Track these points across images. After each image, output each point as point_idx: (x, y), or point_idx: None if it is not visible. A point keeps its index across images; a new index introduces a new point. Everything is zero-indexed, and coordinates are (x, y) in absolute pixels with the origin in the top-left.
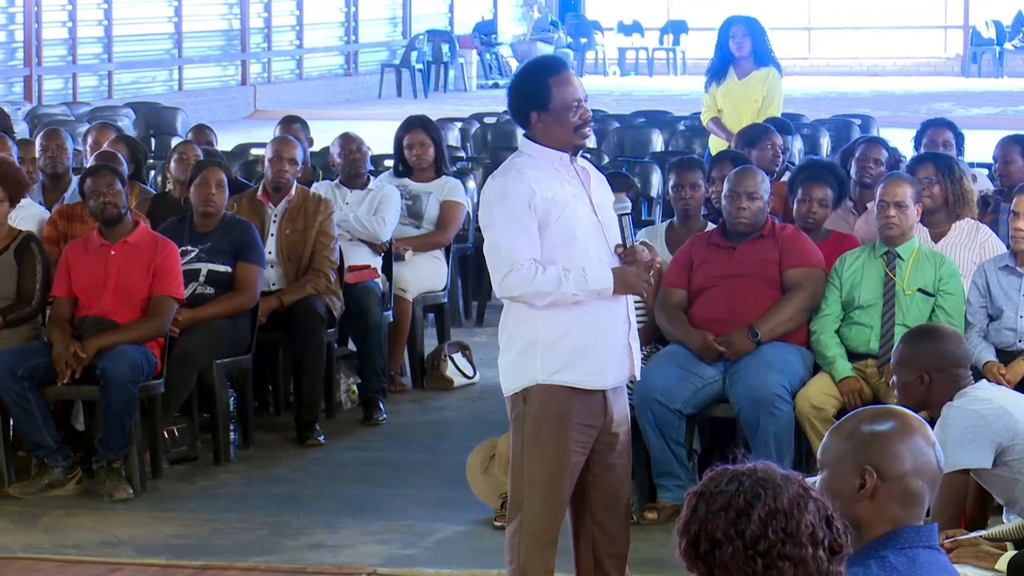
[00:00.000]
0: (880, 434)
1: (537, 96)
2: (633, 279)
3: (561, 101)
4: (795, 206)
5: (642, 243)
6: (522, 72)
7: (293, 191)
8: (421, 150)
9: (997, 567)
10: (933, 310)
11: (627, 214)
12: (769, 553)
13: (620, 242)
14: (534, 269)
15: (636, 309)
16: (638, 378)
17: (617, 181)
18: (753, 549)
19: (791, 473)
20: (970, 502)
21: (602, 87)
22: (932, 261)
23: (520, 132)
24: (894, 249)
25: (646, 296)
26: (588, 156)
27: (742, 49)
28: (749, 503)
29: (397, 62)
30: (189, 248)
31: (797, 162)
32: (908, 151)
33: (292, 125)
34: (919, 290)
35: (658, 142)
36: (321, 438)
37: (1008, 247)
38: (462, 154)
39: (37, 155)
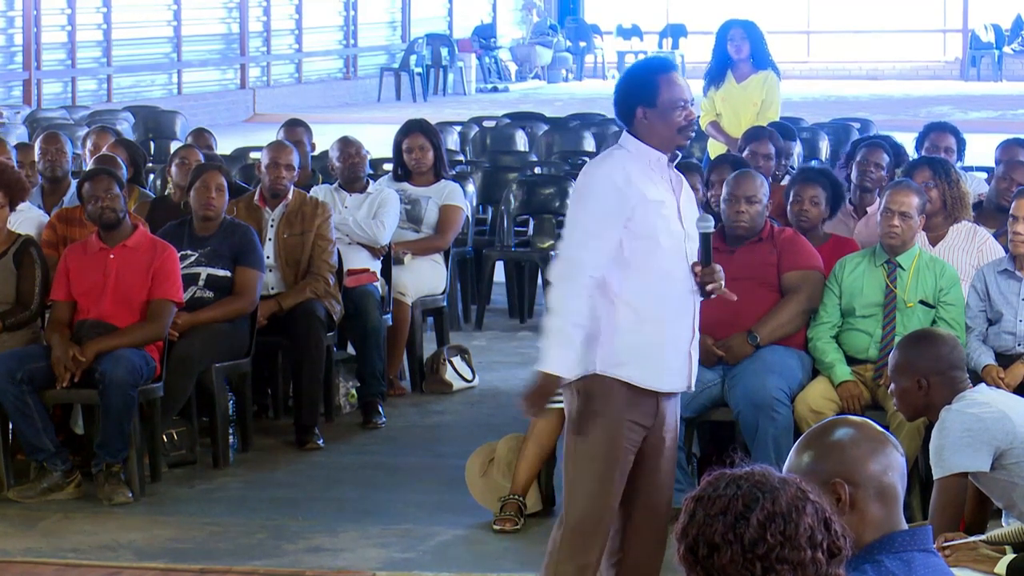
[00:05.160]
0: (837, 444)
1: (645, 92)
2: (539, 404)
3: (668, 99)
4: (789, 209)
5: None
6: (632, 69)
7: (290, 195)
8: (420, 154)
9: (996, 570)
10: (934, 321)
11: (710, 233)
12: (768, 556)
13: (697, 260)
14: (582, 283)
15: None
16: (692, 389)
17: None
18: (752, 553)
19: (788, 476)
20: (969, 506)
21: (601, 91)
22: (932, 270)
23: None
24: (895, 259)
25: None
26: (586, 161)
27: (740, 52)
28: (747, 507)
29: (396, 66)
30: (189, 252)
31: (797, 166)
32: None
33: (296, 129)
34: (920, 302)
35: None
36: (320, 442)
37: (1007, 250)
38: (461, 158)
39: (36, 159)
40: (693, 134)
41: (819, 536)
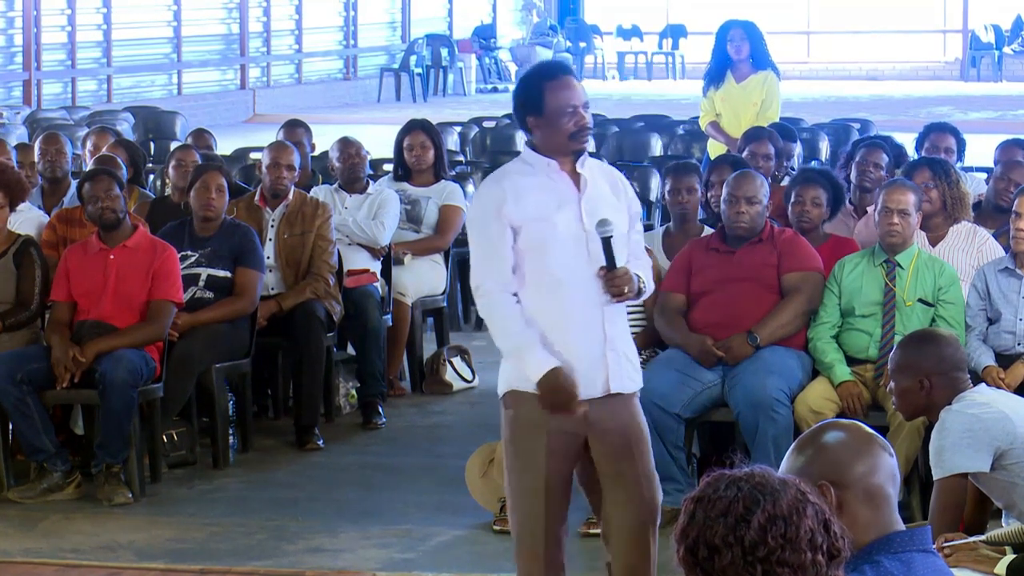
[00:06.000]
0: (822, 448)
1: (533, 101)
2: (560, 398)
3: (555, 106)
4: (790, 210)
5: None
6: (522, 77)
7: (291, 196)
8: (421, 151)
9: (996, 571)
10: (933, 319)
11: (610, 237)
12: (768, 559)
13: (604, 263)
14: (502, 301)
15: (634, 313)
16: (613, 391)
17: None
18: (752, 555)
19: (788, 477)
20: (969, 506)
21: (601, 91)
22: (932, 269)
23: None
24: (894, 258)
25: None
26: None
27: (740, 53)
28: (748, 509)
29: (396, 66)
30: (189, 253)
31: (797, 167)
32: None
33: (296, 130)
34: (919, 300)
35: (657, 146)
36: (320, 442)
37: (1007, 250)
38: (461, 158)
39: (36, 159)
40: (588, 138)
41: (819, 538)
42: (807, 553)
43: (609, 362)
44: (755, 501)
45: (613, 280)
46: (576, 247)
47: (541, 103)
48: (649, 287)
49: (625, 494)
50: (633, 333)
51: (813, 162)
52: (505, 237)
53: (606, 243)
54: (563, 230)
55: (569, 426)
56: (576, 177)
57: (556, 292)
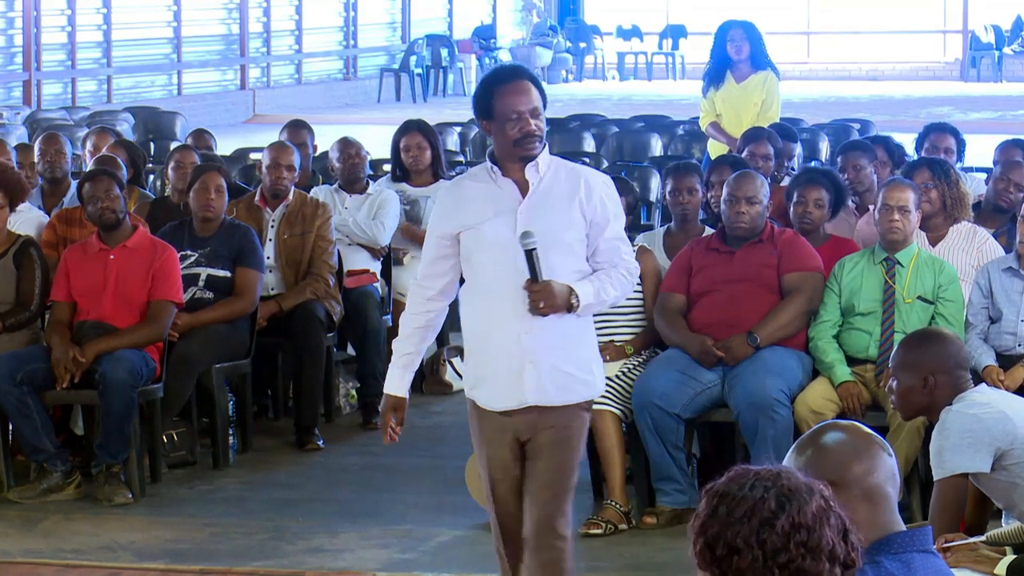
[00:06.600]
0: (822, 448)
1: (483, 105)
2: (381, 419)
3: (502, 111)
4: (791, 210)
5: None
6: (480, 79)
7: (291, 196)
8: (418, 152)
9: (996, 571)
10: (933, 317)
11: (533, 250)
12: (788, 566)
13: (529, 276)
14: (410, 306)
15: (633, 314)
16: (529, 403)
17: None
18: (772, 560)
19: (812, 482)
20: (969, 506)
21: (601, 91)
22: (932, 267)
23: None
24: (894, 256)
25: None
26: (586, 161)
27: (740, 53)
28: (774, 513)
29: (396, 67)
30: (189, 253)
31: (797, 167)
32: (909, 155)
33: (299, 131)
34: (919, 298)
35: (657, 146)
36: (320, 442)
37: (1007, 251)
38: (461, 158)
39: (36, 160)
40: (534, 146)
41: (839, 549)
42: (826, 563)
43: (526, 376)
44: (781, 506)
45: (531, 294)
46: (504, 256)
47: (491, 108)
48: (590, 301)
49: (527, 500)
50: (633, 334)
51: (814, 162)
52: (435, 247)
53: (528, 255)
54: (492, 239)
55: (498, 434)
56: (527, 184)
57: (481, 301)
